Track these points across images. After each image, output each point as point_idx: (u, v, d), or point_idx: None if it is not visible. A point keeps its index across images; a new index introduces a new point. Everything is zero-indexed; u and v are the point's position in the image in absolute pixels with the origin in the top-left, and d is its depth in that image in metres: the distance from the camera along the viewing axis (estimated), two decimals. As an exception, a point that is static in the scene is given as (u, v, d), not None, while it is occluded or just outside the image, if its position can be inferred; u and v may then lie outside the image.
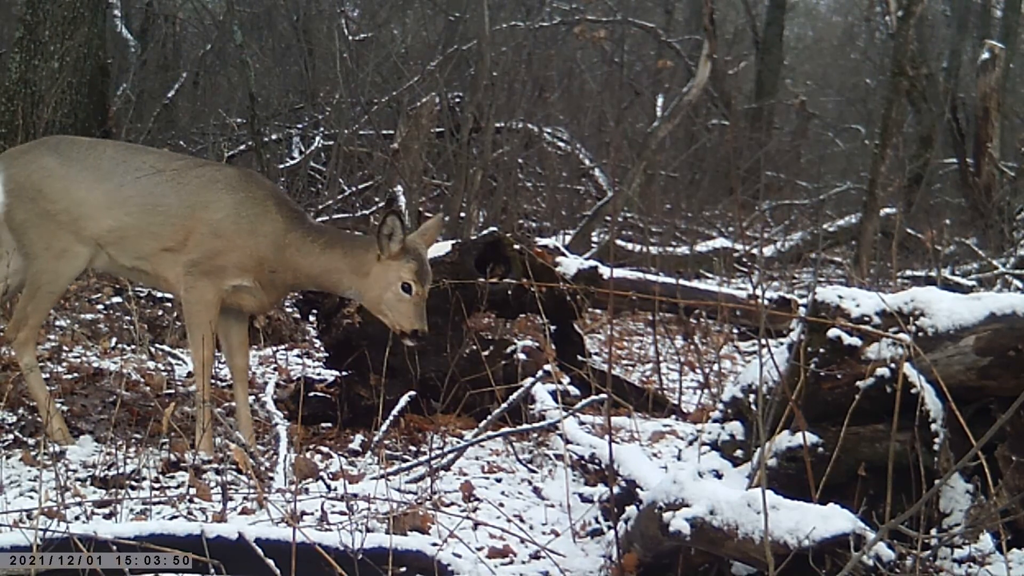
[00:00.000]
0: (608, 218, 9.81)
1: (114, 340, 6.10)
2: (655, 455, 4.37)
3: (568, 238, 9.53)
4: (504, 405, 4.32)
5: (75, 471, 3.96)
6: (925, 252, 9.71)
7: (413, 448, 4.48)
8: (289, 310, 6.53)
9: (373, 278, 4.27)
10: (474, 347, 4.81)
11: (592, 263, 5.53)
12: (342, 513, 3.51)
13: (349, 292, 4.41)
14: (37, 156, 4.33)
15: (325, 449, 4.44)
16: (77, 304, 6.55)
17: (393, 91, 10.63)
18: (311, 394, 4.80)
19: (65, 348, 5.76)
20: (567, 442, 3.96)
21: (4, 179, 4.27)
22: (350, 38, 11.54)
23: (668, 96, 12.23)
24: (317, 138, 10.41)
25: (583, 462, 3.89)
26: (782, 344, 3.41)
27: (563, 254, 5.57)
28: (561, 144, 11.64)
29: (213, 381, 5.41)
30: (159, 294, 6.89)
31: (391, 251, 4.25)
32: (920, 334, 3.14)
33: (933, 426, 3.07)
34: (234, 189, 4.33)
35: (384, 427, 4.34)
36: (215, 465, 4.03)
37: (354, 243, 4.40)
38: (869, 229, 10.04)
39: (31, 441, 4.25)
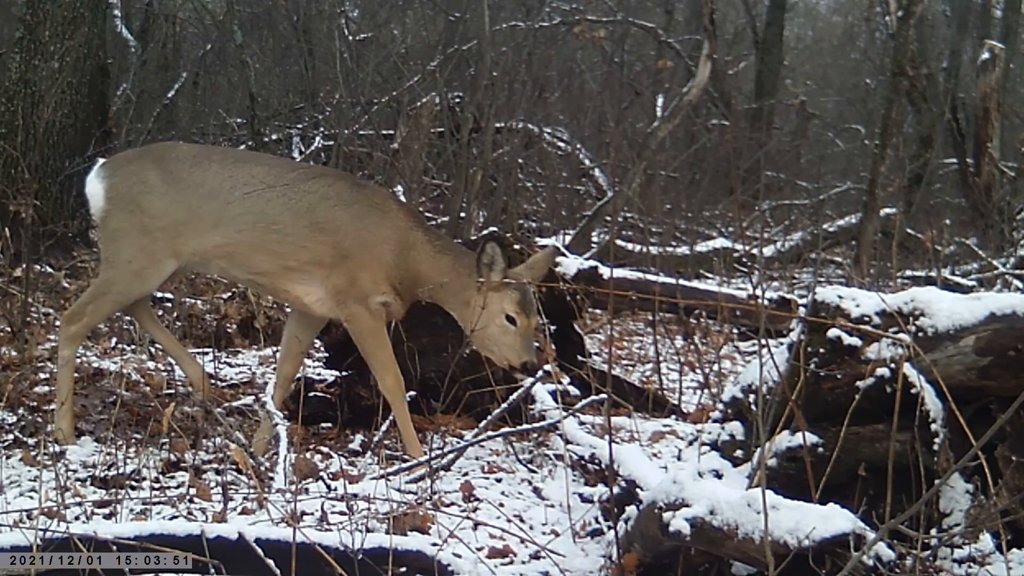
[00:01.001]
0: (608, 218, 9.80)
1: (114, 340, 6.09)
2: (655, 455, 4.37)
3: (568, 238, 9.52)
4: (504, 405, 4.31)
5: (75, 471, 3.97)
6: (925, 252, 9.70)
7: (413, 448, 4.48)
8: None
9: (473, 308, 4.10)
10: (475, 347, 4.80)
11: (592, 263, 5.53)
12: (342, 513, 3.51)
13: (454, 313, 4.24)
14: (140, 168, 4.28)
15: (325, 449, 4.44)
16: (77, 304, 6.53)
17: (393, 91, 10.63)
18: (311, 394, 4.80)
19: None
20: (567, 442, 3.96)
21: (106, 187, 4.26)
22: (350, 38, 11.54)
23: (668, 96, 12.24)
24: (317, 138, 10.40)
25: (583, 462, 3.89)
26: (782, 344, 3.41)
27: (563, 254, 5.57)
28: (561, 144, 11.64)
29: (213, 382, 5.42)
30: (159, 294, 6.88)
31: (492, 282, 4.10)
32: (920, 334, 3.14)
33: (933, 426, 3.07)
34: (347, 204, 4.22)
35: (384, 427, 4.34)
36: (215, 465, 4.04)
37: (463, 259, 4.20)
38: (869, 229, 10.04)
39: (31, 441, 4.26)
